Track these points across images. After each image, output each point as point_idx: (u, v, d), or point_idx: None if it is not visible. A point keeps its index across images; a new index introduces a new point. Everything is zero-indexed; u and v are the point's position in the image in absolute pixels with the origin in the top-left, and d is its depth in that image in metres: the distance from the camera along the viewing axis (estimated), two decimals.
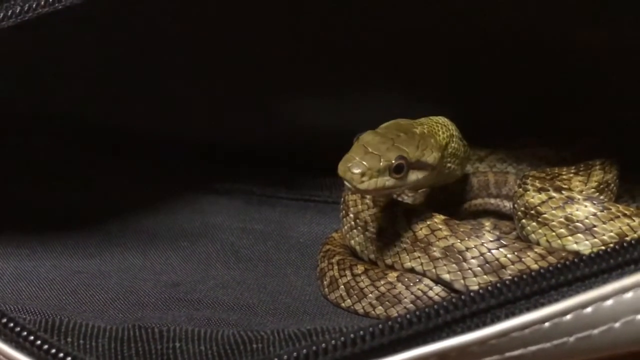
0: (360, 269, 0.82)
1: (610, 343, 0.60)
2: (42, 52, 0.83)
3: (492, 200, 0.99)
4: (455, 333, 0.58)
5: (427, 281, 0.79)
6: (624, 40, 0.83)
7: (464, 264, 0.75)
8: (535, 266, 0.73)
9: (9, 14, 0.68)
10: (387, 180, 0.75)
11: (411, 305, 0.79)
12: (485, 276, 0.74)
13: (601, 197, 0.86)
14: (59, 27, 0.74)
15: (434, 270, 0.77)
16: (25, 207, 1.00)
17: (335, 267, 0.84)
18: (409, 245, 0.79)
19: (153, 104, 0.98)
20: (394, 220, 0.81)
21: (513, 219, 0.85)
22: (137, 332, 0.64)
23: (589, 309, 0.59)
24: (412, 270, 0.79)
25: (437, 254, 0.77)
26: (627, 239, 0.67)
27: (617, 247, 0.61)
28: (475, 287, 0.74)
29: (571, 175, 0.87)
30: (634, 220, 0.76)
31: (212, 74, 0.94)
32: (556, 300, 0.59)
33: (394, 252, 0.80)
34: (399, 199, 0.95)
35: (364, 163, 0.73)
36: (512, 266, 0.74)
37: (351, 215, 0.86)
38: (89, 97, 0.96)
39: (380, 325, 0.57)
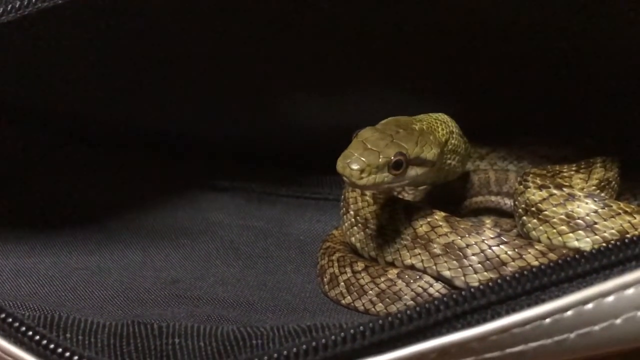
0: (360, 265, 0.82)
1: (611, 339, 0.60)
2: (41, 48, 0.83)
3: (493, 198, 0.99)
4: (455, 329, 0.58)
5: (427, 278, 0.79)
6: (624, 39, 0.83)
7: (465, 260, 0.75)
8: (535, 263, 0.73)
9: (9, 8, 0.68)
10: (386, 177, 0.74)
11: (411, 302, 0.79)
12: (485, 273, 0.74)
13: (602, 194, 0.85)
14: (60, 23, 0.74)
15: (434, 266, 0.77)
16: (25, 204, 1.00)
17: (336, 264, 0.84)
18: (409, 242, 0.79)
19: (153, 102, 0.98)
20: (394, 217, 0.81)
21: (514, 217, 0.85)
22: (136, 328, 0.64)
23: (589, 305, 0.59)
24: (412, 267, 0.79)
25: (437, 251, 0.77)
26: (628, 235, 0.67)
27: (618, 243, 0.61)
28: (476, 284, 0.74)
29: (572, 172, 0.87)
30: (635, 218, 0.76)
31: (212, 72, 0.94)
32: (557, 297, 0.59)
33: (394, 249, 0.80)
34: (400, 196, 0.95)
35: (363, 159, 0.73)
36: (512, 263, 0.74)
37: (351, 213, 0.86)
38: (89, 94, 0.96)
39: (380, 321, 0.57)
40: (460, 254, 0.75)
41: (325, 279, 0.85)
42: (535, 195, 0.80)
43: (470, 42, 0.88)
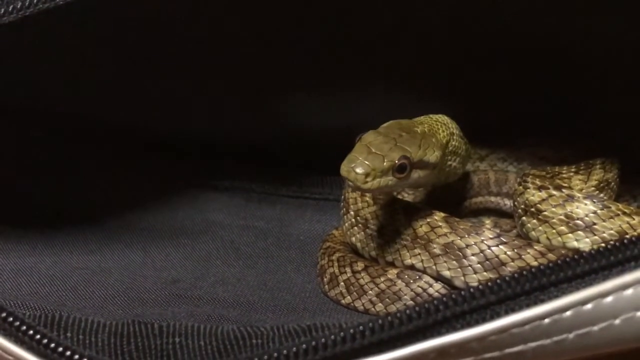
0: (360, 265, 0.82)
1: (610, 340, 0.60)
2: (42, 49, 0.83)
3: (493, 198, 0.99)
4: (454, 329, 0.58)
5: (427, 278, 0.79)
6: (623, 39, 0.83)
7: (464, 260, 0.75)
8: (535, 263, 0.73)
9: (10, 9, 0.68)
10: (390, 180, 0.75)
11: (411, 302, 0.79)
12: (485, 273, 0.75)
13: (601, 195, 0.86)
14: (60, 23, 0.74)
15: (434, 266, 0.77)
16: (26, 203, 1.00)
17: (336, 264, 0.84)
18: (409, 242, 0.79)
19: (153, 102, 0.98)
20: (394, 218, 0.81)
21: (513, 217, 0.85)
22: (136, 327, 0.64)
23: (588, 306, 0.59)
24: (412, 267, 0.79)
25: (437, 251, 0.77)
26: (627, 236, 0.67)
27: (617, 244, 0.61)
28: (475, 284, 0.74)
29: (571, 174, 0.87)
30: (633, 219, 0.76)
31: (212, 72, 0.94)
32: (556, 297, 0.59)
33: (394, 249, 0.80)
34: (399, 196, 0.95)
35: (368, 163, 0.73)
36: (512, 263, 0.74)
37: (352, 213, 0.86)
38: (89, 95, 0.96)
39: (379, 321, 0.57)
40: (460, 254, 0.76)
41: (325, 279, 0.85)
42: (534, 196, 0.80)
43: (470, 42, 0.89)
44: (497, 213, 0.99)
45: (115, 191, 1.06)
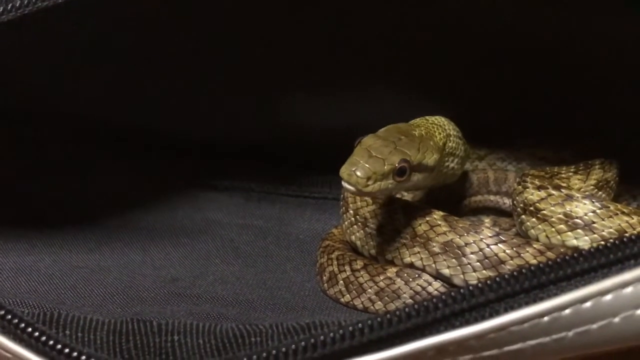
0: (359, 264, 0.82)
1: (609, 338, 0.60)
2: (41, 48, 0.83)
3: (492, 197, 0.99)
4: (453, 327, 0.58)
5: (426, 276, 0.79)
6: (623, 39, 0.83)
7: (463, 259, 0.75)
8: (534, 262, 0.73)
9: (9, 7, 0.68)
10: (390, 183, 0.75)
11: (410, 300, 0.79)
12: (484, 271, 0.75)
13: (600, 194, 0.86)
14: (60, 23, 0.74)
15: (433, 265, 0.77)
16: (25, 202, 1.00)
17: (335, 262, 0.84)
18: (408, 241, 0.79)
19: (153, 102, 0.99)
20: (393, 217, 0.81)
21: (512, 216, 0.85)
22: (135, 325, 0.64)
23: (588, 304, 0.59)
24: (411, 265, 0.79)
25: (436, 249, 0.77)
26: (627, 234, 0.67)
27: (616, 242, 0.61)
28: (474, 282, 0.74)
29: (570, 174, 0.87)
30: (632, 218, 0.76)
31: (212, 72, 0.94)
32: (555, 295, 0.59)
33: (393, 248, 0.80)
34: (398, 196, 0.95)
35: (369, 167, 0.73)
36: (511, 261, 0.74)
37: (351, 212, 0.86)
38: (89, 94, 0.96)
39: (378, 319, 0.57)
40: (459, 252, 0.76)
41: (324, 277, 0.85)
42: (533, 195, 0.80)
43: (470, 42, 0.89)
44: (496, 212, 0.99)
45: (115, 190, 1.06)
